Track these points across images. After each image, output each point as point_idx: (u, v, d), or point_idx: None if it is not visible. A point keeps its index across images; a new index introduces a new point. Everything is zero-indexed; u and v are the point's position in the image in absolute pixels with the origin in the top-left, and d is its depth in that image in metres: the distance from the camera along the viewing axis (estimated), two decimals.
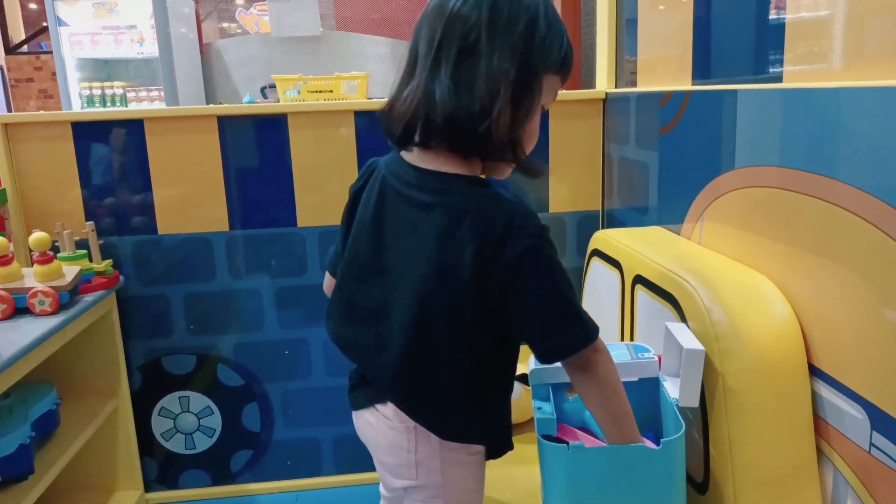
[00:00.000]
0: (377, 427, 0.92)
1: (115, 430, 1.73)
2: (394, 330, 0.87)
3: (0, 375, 1.16)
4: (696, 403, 0.94)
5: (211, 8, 6.00)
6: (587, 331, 0.83)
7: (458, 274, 0.81)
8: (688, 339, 0.95)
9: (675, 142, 1.31)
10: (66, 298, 1.43)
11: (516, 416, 1.35)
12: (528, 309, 0.81)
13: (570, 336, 0.83)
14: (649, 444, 0.87)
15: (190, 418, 1.84)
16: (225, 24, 6.84)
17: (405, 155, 0.89)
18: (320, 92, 3.31)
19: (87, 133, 1.69)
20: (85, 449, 1.55)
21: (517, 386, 1.35)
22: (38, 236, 1.42)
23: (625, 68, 1.75)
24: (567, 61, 0.85)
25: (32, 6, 6.67)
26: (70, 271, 1.46)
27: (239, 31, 6.70)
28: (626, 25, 1.70)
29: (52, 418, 1.50)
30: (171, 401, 1.82)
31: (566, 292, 0.82)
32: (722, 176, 1.12)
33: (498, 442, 0.94)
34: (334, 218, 0.96)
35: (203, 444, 1.86)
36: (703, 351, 0.91)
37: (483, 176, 0.89)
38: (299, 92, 3.34)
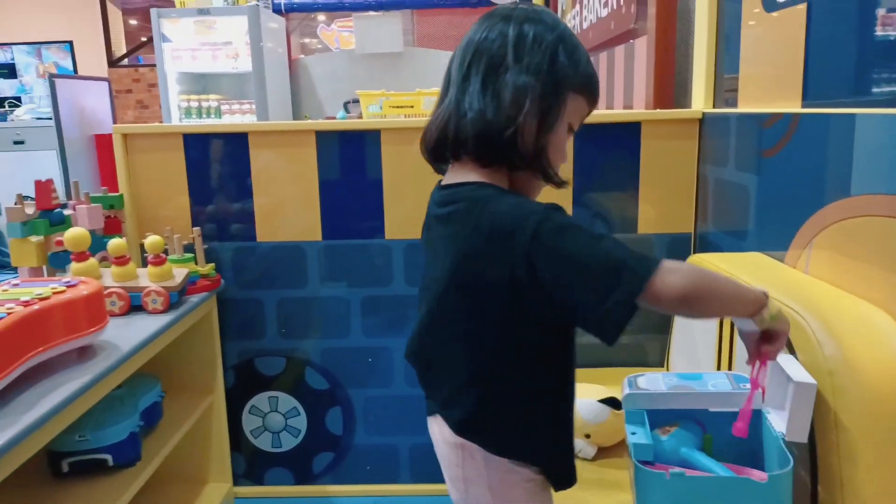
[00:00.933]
0: (436, 436, 0.96)
1: (210, 425, 1.81)
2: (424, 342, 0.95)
3: (119, 368, 1.25)
4: (804, 439, 0.91)
5: (295, 24, 6.23)
6: (638, 269, 0.75)
7: (476, 280, 0.84)
8: (798, 372, 0.92)
9: (781, 166, 1.28)
10: (176, 298, 1.52)
11: (602, 439, 1.34)
12: (565, 280, 0.77)
13: (625, 284, 0.74)
14: (757, 474, 0.85)
15: (278, 418, 1.91)
16: (306, 40, 7.10)
17: (444, 178, 0.95)
18: (401, 107, 3.39)
19: (196, 144, 1.80)
20: (183, 441, 1.63)
21: (603, 409, 1.34)
22: (153, 239, 1.51)
23: (723, 84, 1.71)
24: (591, 82, 0.90)
25: (133, 22, 7.11)
26: (179, 273, 1.56)
27: (320, 46, 6.94)
28: (727, 40, 1.67)
29: (157, 410, 1.59)
30: (261, 400, 1.90)
31: (596, 246, 0.77)
32: (834, 203, 1.08)
33: (556, 466, 0.93)
34: (419, 232, 1.01)
35: (288, 443, 1.92)
36: (815, 385, 0.88)
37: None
38: (381, 107, 3.43)
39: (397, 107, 3.38)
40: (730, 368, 1.19)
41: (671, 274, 0.75)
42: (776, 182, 1.30)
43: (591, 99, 0.92)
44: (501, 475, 0.90)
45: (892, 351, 0.88)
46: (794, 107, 1.30)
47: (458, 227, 0.86)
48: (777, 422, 0.94)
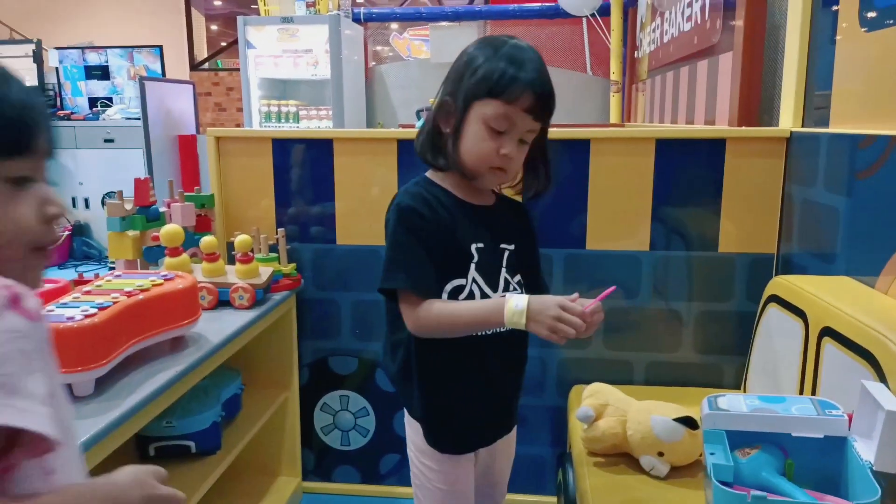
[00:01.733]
0: None
1: (284, 419, 1.88)
2: None
3: (209, 360, 1.32)
4: (894, 469, 0.88)
5: (370, 32, 6.39)
6: (387, 279, 1.07)
7: None
8: (889, 400, 0.89)
9: (876, 189, 1.24)
10: (261, 295, 1.59)
11: (676, 458, 1.31)
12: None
13: (383, 279, 1.08)
14: (842, 503, 0.83)
15: (348, 416, 1.96)
16: (379, 48, 7.25)
17: None
18: None
19: (284, 149, 1.88)
20: (259, 433, 1.70)
21: (678, 427, 1.32)
22: (243, 238, 1.59)
23: (812, 103, 1.66)
24: (499, 87, 1.03)
25: (214, 27, 7.44)
26: (265, 271, 1.63)
27: (391, 54, 7.09)
28: (819, 55, 1.62)
29: (237, 402, 1.67)
30: (332, 398, 1.96)
31: (392, 247, 1.08)
32: None
33: (433, 427, 1.15)
34: None
35: (357, 442, 1.97)
36: None
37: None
38: None
39: None
40: (813, 393, 1.16)
41: (416, 307, 1.06)
42: (869, 205, 1.26)
43: (509, 100, 1.03)
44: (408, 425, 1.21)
45: None
46: (891, 129, 1.26)
47: None
48: (864, 450, 0.91)
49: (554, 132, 1.24)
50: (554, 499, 1.68)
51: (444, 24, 5.64)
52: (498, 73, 1.03)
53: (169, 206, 1.77)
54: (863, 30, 1.41)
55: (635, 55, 4.73)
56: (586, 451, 1.39)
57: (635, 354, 1.81)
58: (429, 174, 1.16)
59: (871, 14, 1.38)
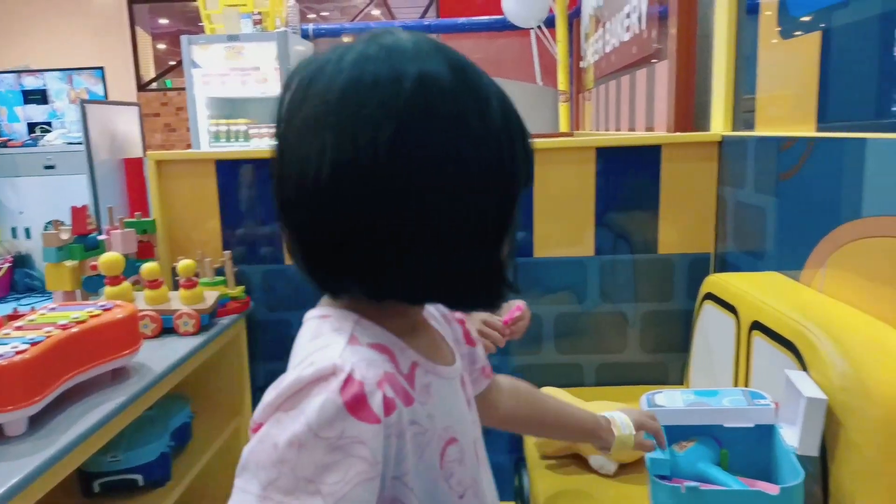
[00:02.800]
0: None
1: (238, 445, 1.85)
2: None
3: (152, 389, 1.30)
4: (815, 452, 0.92)
5: (321, 48, 6.38)
6: None
7: None
8: (809, 387, 0.93)
9: (797, 188, 1.29)
10: (207, 320, 1.57)
11: (623, 455, 1.34)
12: None
13: None
14: (769, 487, 0.86)
15: None
16: None
17: None
18: None
19: (228, 170, 1.86)
20: (211, 461, 1.68)
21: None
22: (186, 263, 1.57)
23: (741, 106, 1.73)
24: None
25: (161, 46, 7.34)
26: (210, 296, 1.61)
27: None
28: (745, 62, 1.69)
29: (187, 431, 1.64)
30: None
31: None
32: (846, 224, 1.09)
33: None
34: None
35: None
36: (826, 400, 0.90)
37: None
38: None
39: None
40: (746, 385, 1.20)
41: None
42: (792, 204, 1.32)
43: None
44: None
45: None
46: (810, 131, 1.32)
47: None
48: (790, 436, 0.95)
49: None
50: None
51: None
52: None
53: (109, 233, 1.74)
54: (780, 38, 1.48)
55: (581, 65, 4.83)
56: (539, 455, 1.41)
57: (585, 357, 1.84)
58: None
59: (787, 23, 1.45)
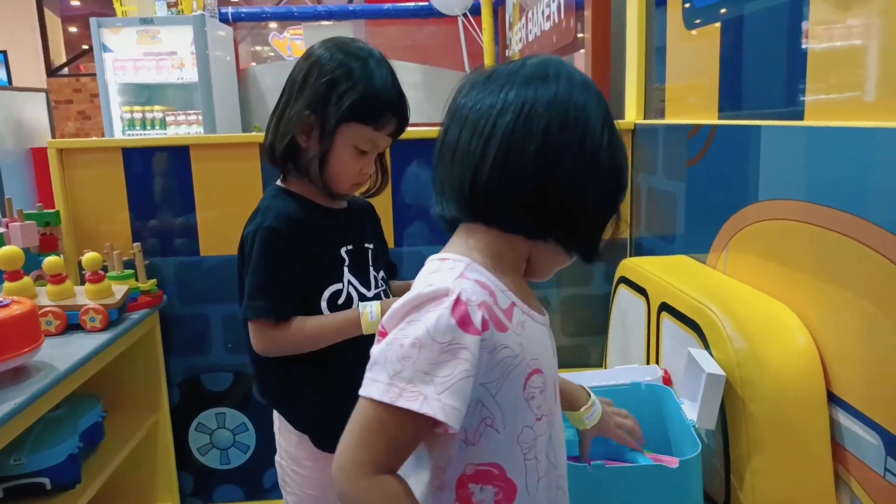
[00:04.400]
0: None
1: (156, 443, 1.80)
2: None
3: (56, 388, 1.23)
4: (712, 426, 0.97)
5: (245, 33, 6.18)
6: (251, 307, 1.07)
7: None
8: (709, 364, 0.98)
9: (702, 174, 1.35)
10: (115, 316, 1.50)
11: None
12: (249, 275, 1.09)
13: (247, 307, 1.08)
14: (669, 460, 0.90)
15: (225, 434, 1.90)
16: (258, 48, 7.04)
17: None
18: None
19: (137, 158, 1.78)
20: (127, 461, 1.61)
21: None
22: (91, 256, 1.50)
23: (654, 96, 1.79)
24: (368, 113, 1.06)
25: (73, 29, 6.94)
26: (119, 290, 1.54)
27: (272, 54, 6.90)
28: (656, 54, 1.75)
29: (98, 430, 1.57)
30: (208, 417, 1.89)
31: (255, 273, 1.07)
32: (747, 208, 1.15)
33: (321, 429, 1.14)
34: None
35: (238, 459, 1.92)
36: (724, 376, 0.94)
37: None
38: None
39: None
40: (657, 363, 1.25)
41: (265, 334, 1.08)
42: (699, 189, 1.37)
43: (376, 125, 1.07)
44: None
45: (796, 345, 0.95)
46: (712, 119, 1.37)
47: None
48: (690, 411, 0.99)
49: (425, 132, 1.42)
50: None
51: (319, 23, 5.56)
52: (372, 98, 1.05)
53: (7, 226, 1.64)
54: (685, 29, 1.54)
55: (507, 53, 4.88)
56: None
57: None
58: (283, 183, 1.15)
59: (692, 14, 1.50)
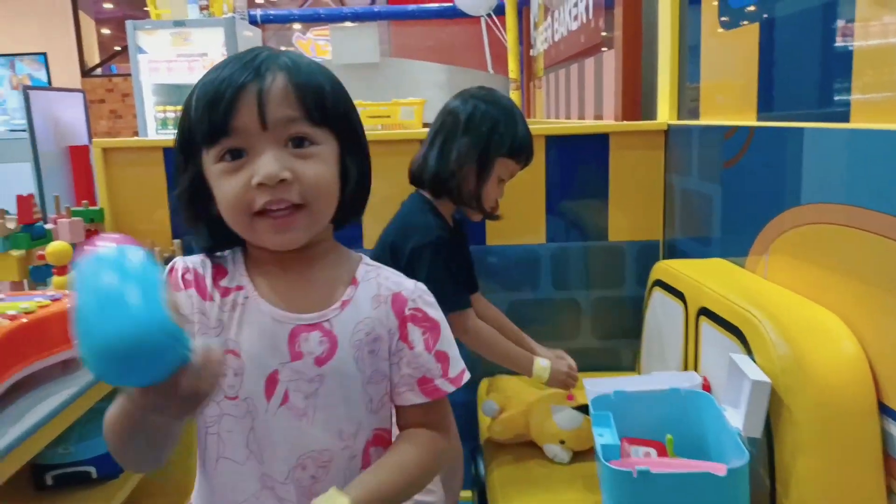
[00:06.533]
0: None
1: (192, 437, 1.82)
2: None
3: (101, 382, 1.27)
4: (759, 434, 0.97)
5: (270, 34, 6.25)
6: (458, 302, 1.32)
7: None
8: (753, 370, 0.97)
9: (740, 176, 1.34)
10: None
11: (577, 444, 1.38)
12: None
13: (453, 302, 1.26)
14: (716, 467, 0.90)
15: None
16: (282, 48, 7.11)
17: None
18: (378, 117, 3.43)
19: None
20: None
21: (576, 415, 1.38)
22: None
23: (686, 95, 1.78)
24: (518, 151, 1.35)
25: (106, 31, 7.08)
26: None
27: None
28: (689, 52, 1.74)
29: None
30: None
31: (441, 273, 1.27)
32: (787, 211, 1.15)
33: None
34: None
35: None
36: (769, 383, 0.94)
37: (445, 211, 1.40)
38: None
39: (374, 116, 3.42)
40: (696, 369, 1.25)
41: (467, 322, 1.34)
42: (736, 191, 1.37)
43: (522, 160, 1.38)
44: None
45: (842, 352, 0.94)
46: (751, 120, 1.37)
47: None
48: (734, 418, 0.99)
49: None
50: (470, 493, 1.72)
51: (345, 24, 5.60)
52: (522, 142, 1.35)
53: (55, 222, 1.68)
54: (723, 28, 1.54)
55: (531, 53, 4.88)
56: (494, 443, 1.44)
57: (540, 344, 1.88)
58: (429, 200, 1.38)
59: (728, 12, 1.50)
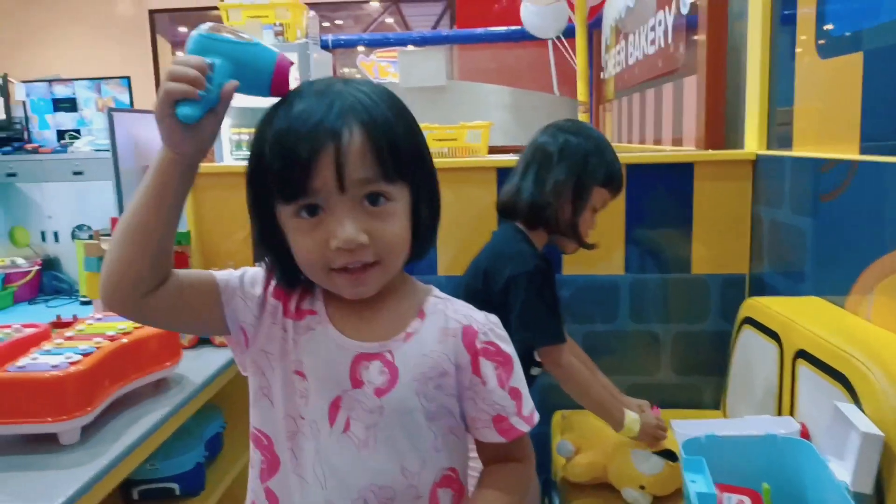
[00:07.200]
0: None
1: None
2: None
3: (193, 400, 1.31)
4: (869, 490, 0.91)
5: (337, 57, 6.40)
6: (555, 335, 1.32)
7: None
8: (863, 421, 0.92)
9: (841, 211, 1.28)
10: None
11: (658, 489, 1.34)
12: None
13: (551, 335, 1.32)
14: None
15: None
16: (346, 70, 7.28)
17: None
18: (445, 140, 3.46)
19: None
20: (243, 472, 1.68)
21: (658, 460, 1.33)
22: None
23: (775, 123, 1.72)
24: (611, 180, 1.36)
25: (180, 54, 7.41)
26: None
27: (358, 76, 7.12)
28: (780, 78, 1.68)
29: (219, 441, 1.65)
30: None
31: (538, 305, 1.29)
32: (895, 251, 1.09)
33: None
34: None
35: None
36: (882, 437, 0.89)
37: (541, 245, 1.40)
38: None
39: (441, 139, 3.44)
40: (792, 414, 1.19)
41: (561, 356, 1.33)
42: (835, 227, 1.31)
43: (614, 190, 1.38)
44: None
45: None
46: (852, 153, 1.31)
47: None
48: (839, 471, 0.93)
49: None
50: None
51: (412, 48, 5.69)
52: (615, 171, 1.36)
53: None
54: (820, 58, 1.48)
55: (601, 76, 4.84)
56: (570, 482, 1.41)
57: (616, 378, 1.81)
58: (522, 230, 1.38)
59: (826, 42, 1.44)
